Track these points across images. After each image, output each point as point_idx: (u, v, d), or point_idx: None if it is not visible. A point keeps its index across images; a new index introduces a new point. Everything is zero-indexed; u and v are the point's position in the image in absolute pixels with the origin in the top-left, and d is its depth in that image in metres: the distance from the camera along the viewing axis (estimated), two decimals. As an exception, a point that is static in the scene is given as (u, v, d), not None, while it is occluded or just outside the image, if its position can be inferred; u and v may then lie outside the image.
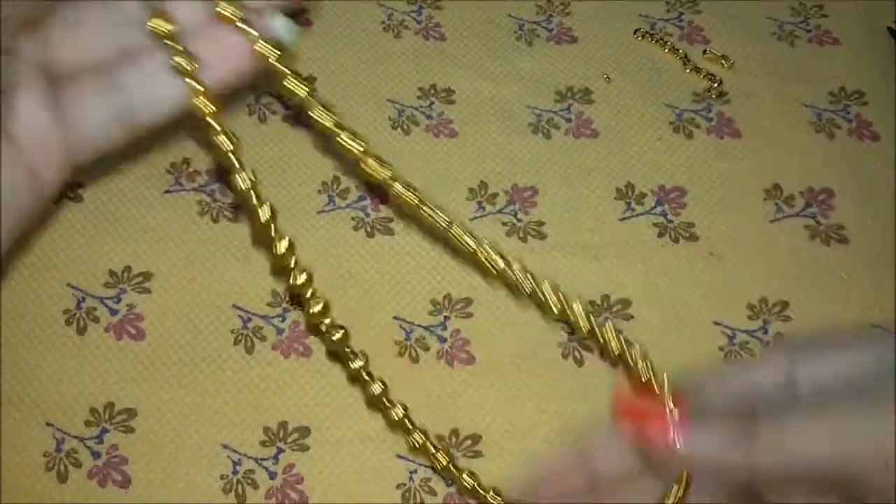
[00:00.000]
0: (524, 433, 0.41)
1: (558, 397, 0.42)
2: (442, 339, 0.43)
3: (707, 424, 0.33)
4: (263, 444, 0.40)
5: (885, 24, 0.51)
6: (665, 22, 0.51)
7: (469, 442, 0.41)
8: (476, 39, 0.50)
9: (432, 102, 0.48)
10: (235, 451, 0.40)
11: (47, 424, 0.40)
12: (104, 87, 0.32)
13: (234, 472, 0.40)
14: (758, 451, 0.32)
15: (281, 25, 0.33)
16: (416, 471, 0.40)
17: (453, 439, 0.41)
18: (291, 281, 0.33)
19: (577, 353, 0.43)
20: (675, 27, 0.51)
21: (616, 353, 0.35)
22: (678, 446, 0.33)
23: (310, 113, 0.32)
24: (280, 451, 0.40)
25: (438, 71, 0.49)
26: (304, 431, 0.41)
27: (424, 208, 0.34)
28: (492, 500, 0.38)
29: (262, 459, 0.40)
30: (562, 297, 0.35)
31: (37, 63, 0.32)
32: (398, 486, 0.40)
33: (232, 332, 0.42)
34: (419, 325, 0.43)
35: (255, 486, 0.39)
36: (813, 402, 0.32)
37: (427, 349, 0.42)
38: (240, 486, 0.39)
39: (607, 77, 0.49)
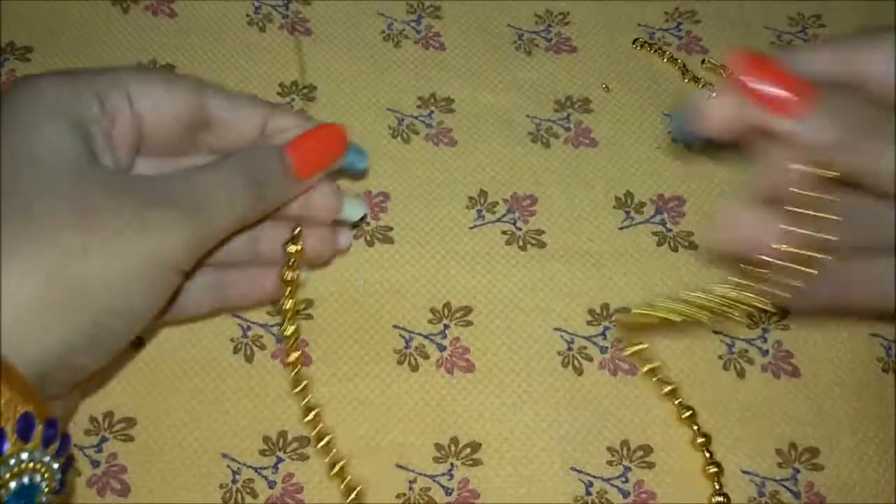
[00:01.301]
0: (524, 441, 0.41)
1: (558, 406, 0.42)
2: (441, 348, 0.43)
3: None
4: (263, 452, 0.40)
5: (883, 34, 0.51)
6: (664, 31, 0.52)
7: (468, 450, 0.41)
8: (475, 49, 0.50)
9: (432, 111, 0.48)
10: (235, 461, 0.40)
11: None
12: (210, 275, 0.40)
13: (234, 481, 0.40)
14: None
15: (351, 207, 0.41)
16: (415, 480, 0.40)
17: (452, 447, 0.41)
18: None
19: (576, 362, 0.42)
20: (673, 37, 0.51)
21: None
22: (799, 120, 0.30)
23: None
24: (280, 460, 0.40)
25: (438, 80, 0.49)
26: (304, 441, 0.40)
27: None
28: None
29: (261, 469, 0.40)
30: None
31: None
32: (398, 496, 0.40)
33: (231, 340, 0.42)
34: (419, 334, 0.43)
35: (254, 495, 0.39)
36: None
37: (427, 357, 0.42)
38: (239, 496, 0.39)
39: (606, 87, 0.50)
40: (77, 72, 0.35)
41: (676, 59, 0.50)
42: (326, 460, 0.40)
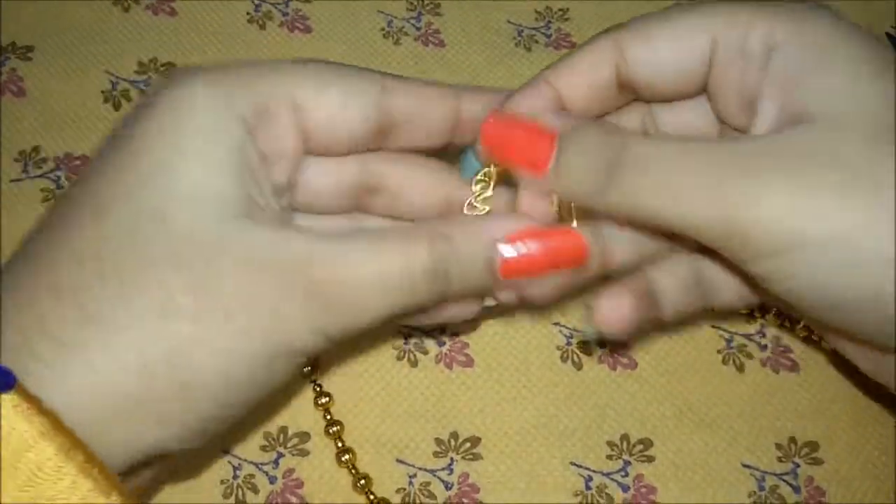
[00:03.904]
0: (523, 436, 0.41)
1: (557, 400, 0.42)
2: (441, 343, 0.43)
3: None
4: (263, 448, 0.40)
5: (884, 30, 0.51)
6: (663, 27, 0.51)
7: (468, 444, 0.41)
8: (475, 45, 0.50)
9: (431, 108, 0.48)
10: (235, 456, 0.40)
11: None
12: None
13: (235, 477, 0.40)
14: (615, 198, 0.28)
15: None
16: (415, 475, 0.40)
17: (452, 442, 0.41)
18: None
19: (575, 357, 0.43)
20: (673, 32, 0.51)
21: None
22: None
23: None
24: (280, 455, 0.40)
25: (438, 77, 0.49)
26: (304, 437, 0.41)
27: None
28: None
29: (262, 464, 0.40)
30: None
31: None
32: (398, 491, 0.40)
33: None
34: (418, 329, 0.43)
35: (255, 490, 0.40)
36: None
37: (426, 352, 0.42)
38: (240, 491, 0.39)
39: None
40: (234, 70, 0.29)
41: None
42: (336, 451, 0.40)
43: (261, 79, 0.29)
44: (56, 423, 0.25)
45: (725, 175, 0.27)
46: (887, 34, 0.51)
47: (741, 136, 0.32)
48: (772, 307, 0.43)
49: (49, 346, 0.25)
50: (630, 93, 0.33)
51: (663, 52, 0.31)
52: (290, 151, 0.30)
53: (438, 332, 0.43)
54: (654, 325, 0.33)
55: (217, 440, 0.40)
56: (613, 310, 0.32)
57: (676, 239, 0.32)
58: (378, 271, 0.28)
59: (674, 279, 0.33)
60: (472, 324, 0.43)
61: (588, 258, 0.31)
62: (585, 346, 0.42)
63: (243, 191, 0.28)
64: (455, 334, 0.43)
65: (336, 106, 0.30)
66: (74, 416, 0.25)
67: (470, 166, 0.33)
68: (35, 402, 0.24)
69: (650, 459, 0.41)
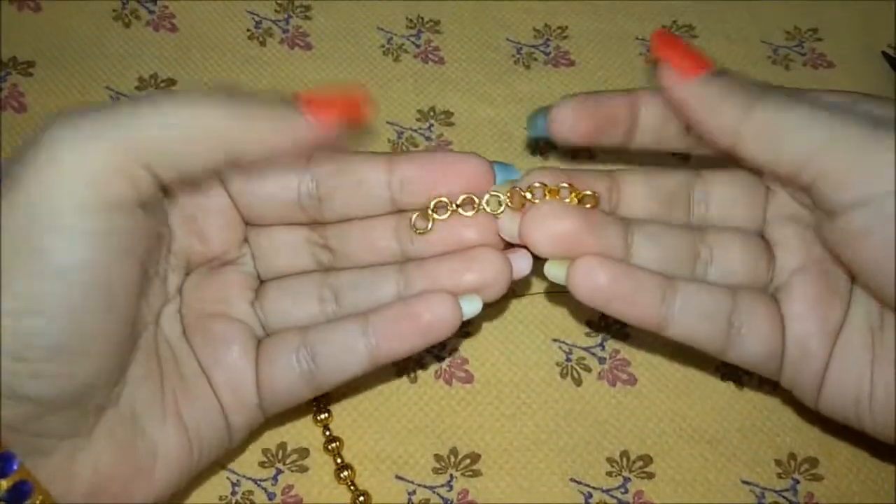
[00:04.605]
0: (523, 452, 0.41)
1: (557, 416, 0.42)
2: (440, 359, 0.43)
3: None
4: (262, 464, 0.40)
5: (880, 48, 0.52)
6: (661, 45, 0.52)
7: (468, 461, 0.41)
8: (474, 63, 0.51)
9: (431, 125, 0.49)
10: (234, 472, 0.40)
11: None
12: (299, 351, 0.35)
13: (233, 493, 0.40)
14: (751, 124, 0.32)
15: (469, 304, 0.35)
16: (414, 492, 0.40)
17: (452, 458, 0.41)
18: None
19: (575, 373, 0.43)
20: (671, 50, 0.52)
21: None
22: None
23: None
24: (279, 472, 0.40)
25: (437, 94, 0.50)
26: (303, 453, 0.40)
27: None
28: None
29: (260, 480, 0.40)
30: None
31: (249, 322, 0.36)
32: None
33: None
34: (418, 345, 0.43)
35: (253, 506, 0.40)
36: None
37: (425, 368, 0.42)
38: (238, 507, 0.39)
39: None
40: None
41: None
42: (335, 467, 0.40)
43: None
44: None
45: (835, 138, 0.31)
46: (883, 53, 0.51)
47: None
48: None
49: None
50: None
51: None
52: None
53: (438, 346, 0.43)
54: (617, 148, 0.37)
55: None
56: (567, 121, 0.35)
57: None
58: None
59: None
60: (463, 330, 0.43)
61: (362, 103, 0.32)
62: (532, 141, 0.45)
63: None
64: (454, 349, 0.43)
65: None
66: None
67: (539, 126, 0.36)
68: None
69: (650, 476, 0.41)
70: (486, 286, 0.34)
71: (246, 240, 0.37)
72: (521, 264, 0.35)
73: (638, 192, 0.37)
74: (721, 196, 0.37)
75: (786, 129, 0.32)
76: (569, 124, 0.35)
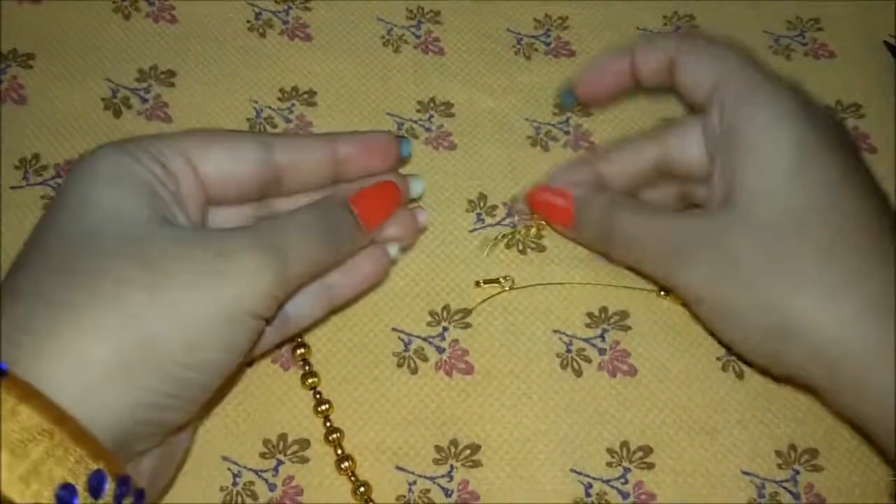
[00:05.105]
0: (523, 443, 0.41)
1: (557, 407, 0.42)
2: (440, 350, 0.43)
3: None
4: (263, 455, 0.40)
5: (882, 37, 0.51)
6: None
7: (468, 451, 0.41)
8: (475, 54, 0.51)
9: (431, 115, 0.49)
10: (235, 463, 0.40)
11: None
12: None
13: (234, 484, 0.40)
14: None
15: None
16: (415, 482, 0.40)
17: (452, 449, 0.41)
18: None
19: (575, 364, 0.43)
20: (672, 41, 0.51)
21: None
22: None
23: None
24: (280, 462, 0.40)
25: (437, 85, 0.50)
26: (304, 444, 0.41)
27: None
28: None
29: (261, 471, 0.40)
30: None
31: None
32: (398, 498, 0.40)
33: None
34: (418, 336, 0.43)
35: (254, 497, 0.40)
36: None
37: (426, 360, 0.42)
38: (239, 498, 0.39)
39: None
40: (137, 139, 0.35)
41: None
42: (335, 458, 0.40)
43: (159, 142, 0.35)
44: (43, 400, 0.28)
45: (672, 247, 0.39)
46: (885, 42, 0.51)
47: (696, 212, 0.43)
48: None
49: (27, 338, 0.29)
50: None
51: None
52: (196, 194, 0.36)
53: (439, 337, 0.43)
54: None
55: (204, 413, 0.41)
56: (594, 83, 0.44)
57: None
58: (294, 226, 0.36)
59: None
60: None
61: (400, 195, 0.41)
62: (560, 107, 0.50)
63: (157, 213, 0.33)
64: (455, 341, 0.43)
65: (222, 161, 0.37)
66: (56, 392, 0.29)
67: (568, 100, 0.46)
68: (23, 384, 0.28)
69: (650, 466, 0.41)
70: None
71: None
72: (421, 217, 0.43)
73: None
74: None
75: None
76: (594, 84, 0.44)
